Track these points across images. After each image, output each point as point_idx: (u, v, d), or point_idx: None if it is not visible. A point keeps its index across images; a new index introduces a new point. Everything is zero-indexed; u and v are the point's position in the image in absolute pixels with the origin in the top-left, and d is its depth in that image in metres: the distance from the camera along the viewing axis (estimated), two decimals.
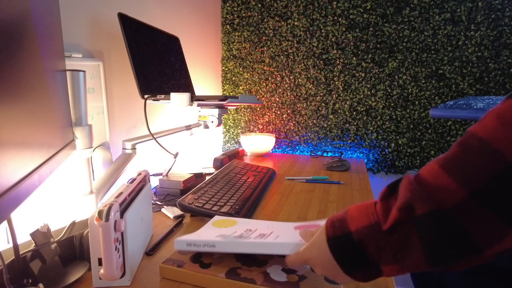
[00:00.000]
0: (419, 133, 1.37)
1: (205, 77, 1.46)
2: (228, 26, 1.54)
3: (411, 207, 0.32)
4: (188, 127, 1.08)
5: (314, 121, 1.50)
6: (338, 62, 1.42)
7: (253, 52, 1.53)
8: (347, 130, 1.46)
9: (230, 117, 1.62)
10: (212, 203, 0.73)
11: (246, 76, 1.56)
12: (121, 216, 0.46)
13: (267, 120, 1.57)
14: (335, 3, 1.39)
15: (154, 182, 0.92)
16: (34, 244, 0.47)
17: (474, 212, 0.29)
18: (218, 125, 0.91)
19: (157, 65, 0.92)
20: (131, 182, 0.57)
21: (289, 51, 1.48)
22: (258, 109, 1.57)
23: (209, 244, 0.47)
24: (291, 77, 1.50)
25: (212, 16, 1.50)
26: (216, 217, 0.62)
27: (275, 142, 1.56)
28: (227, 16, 1.54)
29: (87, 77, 0.67)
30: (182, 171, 1.00)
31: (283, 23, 1.46)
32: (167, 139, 0.97)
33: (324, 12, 1.41)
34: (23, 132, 0.37)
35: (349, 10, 1.38)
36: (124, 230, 0.46)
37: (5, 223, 0.39)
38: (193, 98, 0.82)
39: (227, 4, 1.53)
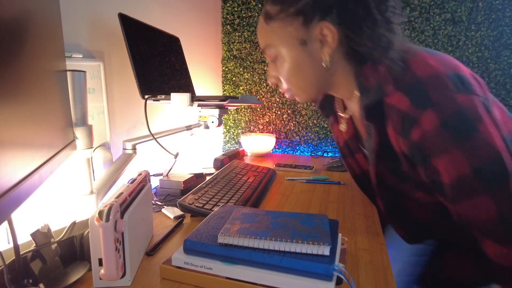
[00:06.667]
0: None
1: (206, 77, 1.46)
2: (228, 27, 1.55)
3: None
4: (189, 127, 1.08)
5: (315, 121, 1.50)
6: None
7: (253, 52, 1.53)
8: None
9: (231, 117, 1.62)
10: (212, 204, 0.73)
11: (247, 76, 1.56)
12: (122, 216, 0.46)
13: (267, 120, 1.57)
14: None
15: (155, 182, 0.92)
16: (34, 244, 0.47)
17: None
18: (219, 125, 0.91)
19: (157, 65, 0.92)
20: (132, 182, 0.57)
21: None
22: (258, 109, 1.57)
23: (206, 266, 0.48)
24: None
25: (212, 16, 1.50)
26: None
27: (276, 142, 1.55)
28: (228, 16, 1.54)
29: (87, 78, 0.67)
30: (182, 172, 1.00)
31: None
32: (168, 139, 0.97)
33: None
34: (23, 132, 0.37)
35: None
36: (124, 231, 0.46)
37: (5, 223, 0.39)
38: (194, 98, 0.82)
39: (228, 5, 1.53)
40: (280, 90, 0.71)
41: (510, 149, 0.52)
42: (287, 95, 0.70)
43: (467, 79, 0.54)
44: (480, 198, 0.52)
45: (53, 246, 0.49)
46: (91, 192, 0.66)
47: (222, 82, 1.61)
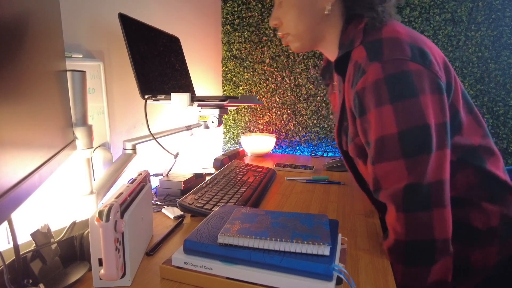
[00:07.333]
0: None
1: (206, 78, 1.47)
2: (228, 27, 1.55)
3: None
4: (189, 128, 1.08)
5: (315, 121, 1.50)
6: None
7: (253, 52, 1.53)
8: None
9: (231, 118, 1.62)
10: (212, 204, 0.73)
11: (247, 77, 1.56)
12: (122, 216, 0.46)
13: (267, 120, 1.57)
14: None
15: (155, 182, 0.92)
16: (34, 245, 0.47)
17: None
18: (219, 125, 0.91)
19: (157, 65, 0.92)
20: (132, 183, 0.57)
21: (290, 51, 1.48)
22: (258, 109, 1.57)
23: (206, 266, 0.48)
24: (291, 77, 1.50)
25: (212, 17, 1.50)
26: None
27: (276, 143, 1.55)
28: (228, 16, 1.54)
29: (87, 78, 0.67)
30: (182, 172, 1.00)
31: None
32: (168, 139, 0.97)
33: None
34: (23, 132, 0.37)
35: None
36: (124, 231, 0.46)
37: (5, 223, 0.39)
38: (194, 98, 0.82)
39: (228, 5, 1.53)
40: (278, 34, 0.74)
41: (444, 137, 0.54)
42: (283, 41, 0.74)
43: (429, 56, 0.55)
44: (396, 161, 0.54)
45: (53, 246, 0.49)
46: (91, 192, 0.66)
47: (222, 82, 1.61)
